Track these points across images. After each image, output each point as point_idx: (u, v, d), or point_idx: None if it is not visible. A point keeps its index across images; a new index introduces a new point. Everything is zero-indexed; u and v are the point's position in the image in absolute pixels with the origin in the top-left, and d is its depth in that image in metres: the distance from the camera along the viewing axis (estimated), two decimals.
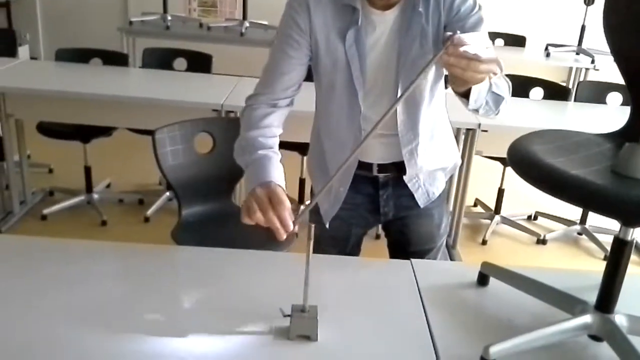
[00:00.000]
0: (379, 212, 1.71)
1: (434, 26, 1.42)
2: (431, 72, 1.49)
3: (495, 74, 1.15)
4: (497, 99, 1.35)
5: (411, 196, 1.67)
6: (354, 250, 1.81)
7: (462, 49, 1.06)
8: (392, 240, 1.82)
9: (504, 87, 1.38)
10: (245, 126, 1.47)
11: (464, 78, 1.13)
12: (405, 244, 1.77)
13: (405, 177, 1.63)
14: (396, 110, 1.48)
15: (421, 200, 1.68)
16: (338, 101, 1.53)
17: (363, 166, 1.62)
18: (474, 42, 1.07)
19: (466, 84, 1.21)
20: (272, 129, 1.46)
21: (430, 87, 1.53)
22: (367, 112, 1.51)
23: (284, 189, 1.31)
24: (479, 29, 1.41)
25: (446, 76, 1.41)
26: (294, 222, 1.21)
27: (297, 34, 1.44)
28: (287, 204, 1.23)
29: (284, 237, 1.19)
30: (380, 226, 1.81)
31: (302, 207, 2.94)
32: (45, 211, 3.44)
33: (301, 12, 1.43)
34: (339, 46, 1.44)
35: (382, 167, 1.62)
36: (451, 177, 3.26)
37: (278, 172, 1.35)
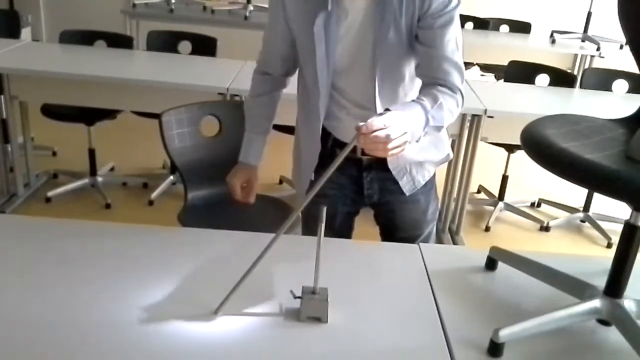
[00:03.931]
0: (364, 194, 1.72)
1: (407, 18, 1.43)
2: (408, 57, 1.49)
3: (409, 142, 1.26)
4: (437, 127, 1.39)
5: (396, 181, 1.68)
6: (344, 231, 1.82)
7: (372, 135, 1.17)
8: (381, 227, 1.85)
9: (443, 114, 1.39)
10: (250, 92, 1.73)
11: (386, 156, 1.23)
12: (393, 230, 1.79)
13: (389, 164, 1.64)
14: (375, 84, 1.50)
15: (406, 187, 1.69)
16: (307, 82, 1.59)
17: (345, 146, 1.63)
18: (384, 123, 1.18)
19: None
20: (265, 97, 1.71)
21: (410, 71, 1.53)
22: (344, 91, 1.56)
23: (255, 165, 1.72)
24: (447, 30, 1.42)
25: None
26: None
27: (276, 14, 1.55)
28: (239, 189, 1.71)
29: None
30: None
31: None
32: (50, 194, 3.44)
33: (275, 1, 1.52)
34: (309, 30, 1.46)
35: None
36: (455, 164, 3.32)
37: (254, 151, 1.73)
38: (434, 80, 1.44)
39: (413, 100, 1.36)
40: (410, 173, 1.68)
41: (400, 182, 1.67)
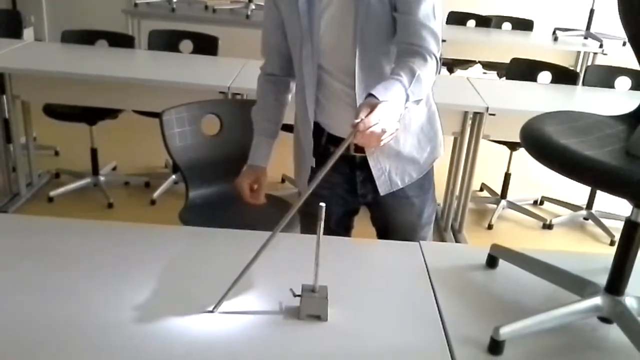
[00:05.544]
0: (357, 193, 1.72)
1: None
2: (389, 31, 1.49)
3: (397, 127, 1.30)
4: (417, 100, 1.40)
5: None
6: (340, 231, 1.81)
7: (368, 131, 1.20)
8: (377, 229, 1.84)
9: (421, 87, 1.39)
10: (256, 96, 1.76)
11: (378, 147, 1.29)
12: (388, 231, 1.79)
13: (370, 162, 1.63)
14: (356, 55, 1.50)
15: (382, 188, 1.67)
16: (296, 69, 1.62)
17: (339, 143, 1.62)
18: (378, 118, 1.21)
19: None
20: (269, 98, 1.73)
21: (393, 50, 1.53)
22: (331, 73, 1.57)
23: (263, 167, 1.74)
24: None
25: None
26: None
27: (268, 2, 1.62)
28: (247, 190, 1.72)
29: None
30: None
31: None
32: (52, 193, 3.45)
33: None
34: (294, 6, 1.50)
35: (358, 147, 1.61)
36: (457, 162, 3.31)
37: (261, 153, 1.74)
38: (409, 47, 1.43)
39: (391, 78, 1.35)
40: (388, 174, 1.65)
41: (377, 182, 1.66)
